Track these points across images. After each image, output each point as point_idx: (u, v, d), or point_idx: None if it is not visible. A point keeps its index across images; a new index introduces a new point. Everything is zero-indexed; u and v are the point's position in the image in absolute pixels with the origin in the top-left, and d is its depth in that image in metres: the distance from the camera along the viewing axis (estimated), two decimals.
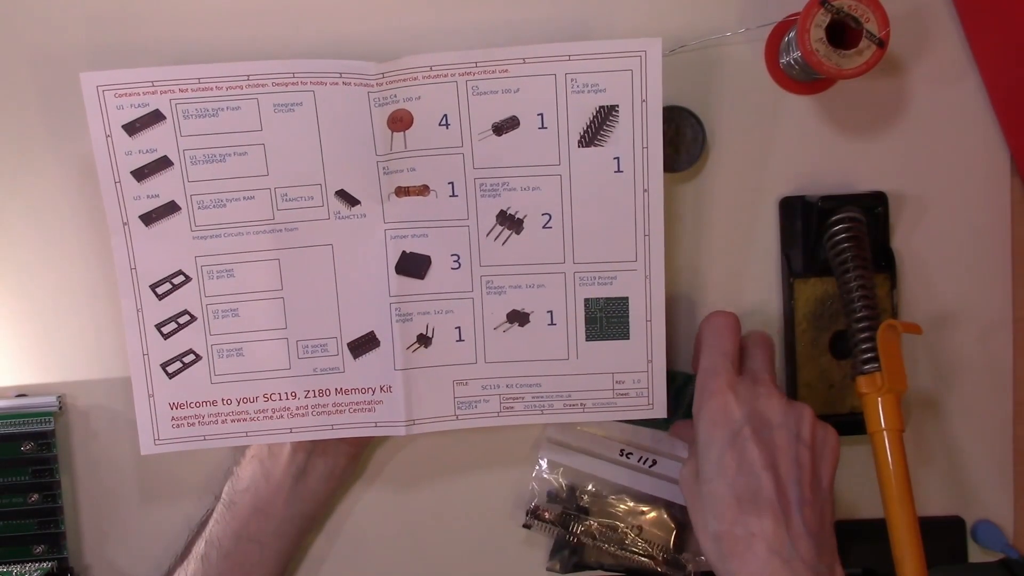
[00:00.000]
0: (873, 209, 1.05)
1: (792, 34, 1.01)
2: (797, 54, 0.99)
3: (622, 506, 1.10)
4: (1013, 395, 1.12)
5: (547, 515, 1.09)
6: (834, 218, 1.03)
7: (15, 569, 1.06)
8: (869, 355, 0.99)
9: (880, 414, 0.98)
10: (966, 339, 1.11)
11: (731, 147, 1.08)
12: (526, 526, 1.09)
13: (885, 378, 0.97)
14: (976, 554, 1.13)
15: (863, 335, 1.00)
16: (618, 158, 0.98)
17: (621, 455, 1.10)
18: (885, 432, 0.98)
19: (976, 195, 1.09)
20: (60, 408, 1.06)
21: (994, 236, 1.10)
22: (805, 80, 1.06)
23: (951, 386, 1.12)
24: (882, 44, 0.95)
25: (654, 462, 1.10)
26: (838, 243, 1.02)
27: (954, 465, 1.13)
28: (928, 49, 1.07)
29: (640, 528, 1.09)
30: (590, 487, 1.10)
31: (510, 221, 1.00)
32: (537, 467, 1.09)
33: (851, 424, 1.06)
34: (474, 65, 0.95)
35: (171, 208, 0.98)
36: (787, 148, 1.08)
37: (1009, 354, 1.11)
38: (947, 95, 1.08)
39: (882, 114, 1.08)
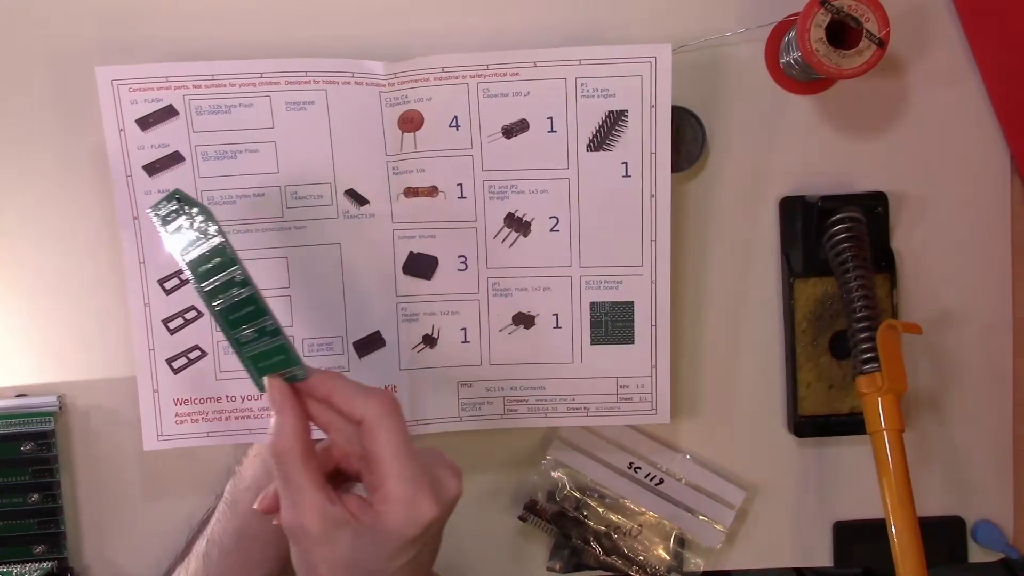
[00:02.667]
0: (873, 209, 1.10)
1: (792, 34, 1.06)
2: (797, 54, 1.03)
3: (621, 514, 1.15)
4: (1013, 395, 1.16)
5: (544, 513, 1.13)
6: (834, 218, 1.08)
7: (15, 569, 1.09)
8: (869, 355, 1.04)
9: (880, 414, 1.03)
10: (966, 339, 1.16)
11: (731, 147, 1.12)
12: (521, 518, 1.14)
13: (885, 378, 1.02)
14: (976, 554, 1.18)
15: (863, 335, 1.05)
16: (626, 163, 1.03)
17: (629, 468, 1.15)
18: (885, 432, 1.03)
19: (976, 195, 1.14)
20: (60, 408, 1.10)
21: (994, 236, 1.15)
22: (805, 80, 1.11)
23: (951, 386, 1.16)
24: (882, 44, 1.00)
25: (661, 480, 1.15)
26: (838, 243, 1.07)
27: (954, 465, 1.17)
28: (928, 49, 1.12)
29: (640, 528, 1.15)
30: (592, 493, 1.15)
31: (518, 224, 1.05)
32: (543, 464, 1.14)
33: (851, 424, 1.11)
34: (485, 67, 1.01)
35: None
36: (787, 148, 1.13)
37: (1009, 354, 1.16)
38: (947, 95, 1.13)
39: (882, 114, 1.13)
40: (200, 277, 0.87)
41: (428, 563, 0.90)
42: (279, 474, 0.84)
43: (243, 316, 0.87)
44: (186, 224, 0.88)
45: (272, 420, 0.86)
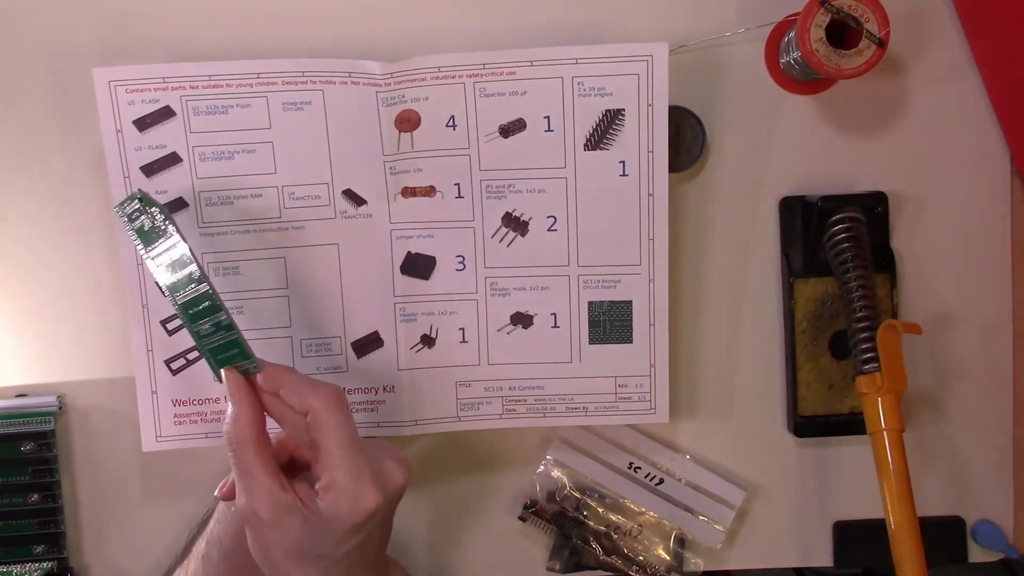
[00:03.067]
0: (873, 209, 1.10)
1: (792, 34, 1.05)
2: (797, 54, 1.03)
3: (621, 514, 1.15)
4: (1013, 395, 1.16)
5: (544, 513, 1.13)
6: (834, 218, 1.07)
7: (15, 569, 1.09)
8: (869, 355, 1.04)
9: (880, 414, 1.02)
10: (966, 339, 1.15)
11: (731, 147, 1.12)
12: (521, 518, 1.14)
13: (885, 378, 1.02)
14: (976, 554, 1.17)
15: (863, 335, 1.04)
16: (623, 162, 1.03)
17: (629, 468, 1.15)
18: (885, 432, 1.02)
19: (976, 195, 1.14)
20: (60, 408, 1.10)
21: (994, 236, 1.14)
22: (805, 80, 1.10)
23: (951, 386, 1.16)
24: (882, 44, 1.00)
25: (661, 480, 1.15)
26: (838, 243, 1.07)
27: (954, 465, 1.17)
28: (928, 49, 1.12)
29: (640, 528, 1.15)
30: (592, 493, 1.14)
31: (515, 223, 1.05)
32: (543, 464, 1.14)
33: (851, 424, 1.11)
34: (482, 67, 1.01)
35: (179, 204, 1.03)
36: (787, 148, 1.12)
37: (1009, 354, 1.16)
38: (947, 95, 1.13)
39: (882, 114, 1.13)
40: (162, 272, 0.92)
41: (377, 548, 0.96)
42: (234, 462, 0.89)
43: (201, 311, 0.91)
44: (147, 223, 0.92)
45: (228, 410, 0.91)
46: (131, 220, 0.92)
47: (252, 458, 0.88)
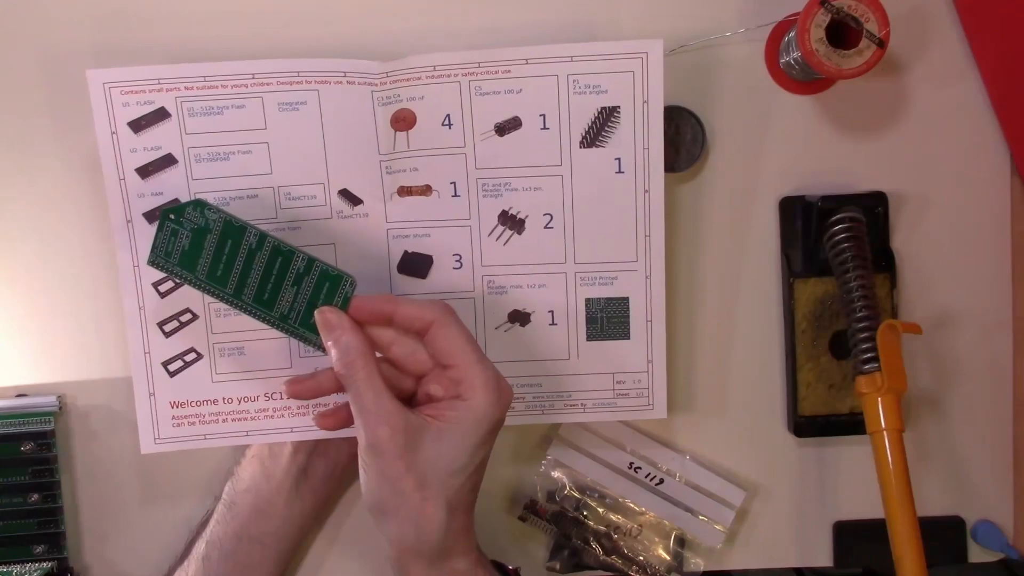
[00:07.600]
0: (873, 209, 1.08)
1: (792, 34, 1.03)
2: (797, 54, 1.01)
3: (621, 514, 1.12)
4: (1013, 395, 1.14)
5: (544, 513, 1.11)
6: (834, 218, 1.05)
7: (15, 569, 1.07)
8: (869, 355, 1.01)
9: (880, 414, 1.00)
10: (966, 339, 1.13)
11: (731, 147, 1.10)
12: (521, 518, 1.12)
13: (885, 378, 1.00)
14: (976, 554, 1.15)
15: (863, 335, 1.02)
16: (619, 159, 1.01)
17: (629, 468, 1.13)
18: (885, 432, 1.00)
19: (976, 195, 1.12)
20: (60, 408, 1.08)
21: (994, 236, 1.12)
22: (805, 80, 1.08)
23: (951, 386, 1.14)
24: (882, 44, 0.98)
25: (661, 480, 1.13)
26: (838, 243, 1.05)
27: (954, 465, 1.15)
28: (928, 49, 1.10)
29: (640, 528, 1.12)
30: (592, 493, 1.12)
31: (512, 221, 1.02)
32: (543, 464, 1.12)
33: (851, 424, 1.09)
34: (477, 65, 0.98)
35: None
36: (787, 148, 1.10)
37: (1009, 354, 1.14)
38: (947, 95, 1.11)
39: (882, 114, 1.10)
40: (220, 281, 0.91)
41: (480, 481, 0.94)
42: (354, 395, 0.89)
43: (274, 283, 0.92)
44: (186, 235, 0.90)
45: (332, 348, 0.91)
46: (168, 258, 0.91)
47: (374, 386, 0.88)
